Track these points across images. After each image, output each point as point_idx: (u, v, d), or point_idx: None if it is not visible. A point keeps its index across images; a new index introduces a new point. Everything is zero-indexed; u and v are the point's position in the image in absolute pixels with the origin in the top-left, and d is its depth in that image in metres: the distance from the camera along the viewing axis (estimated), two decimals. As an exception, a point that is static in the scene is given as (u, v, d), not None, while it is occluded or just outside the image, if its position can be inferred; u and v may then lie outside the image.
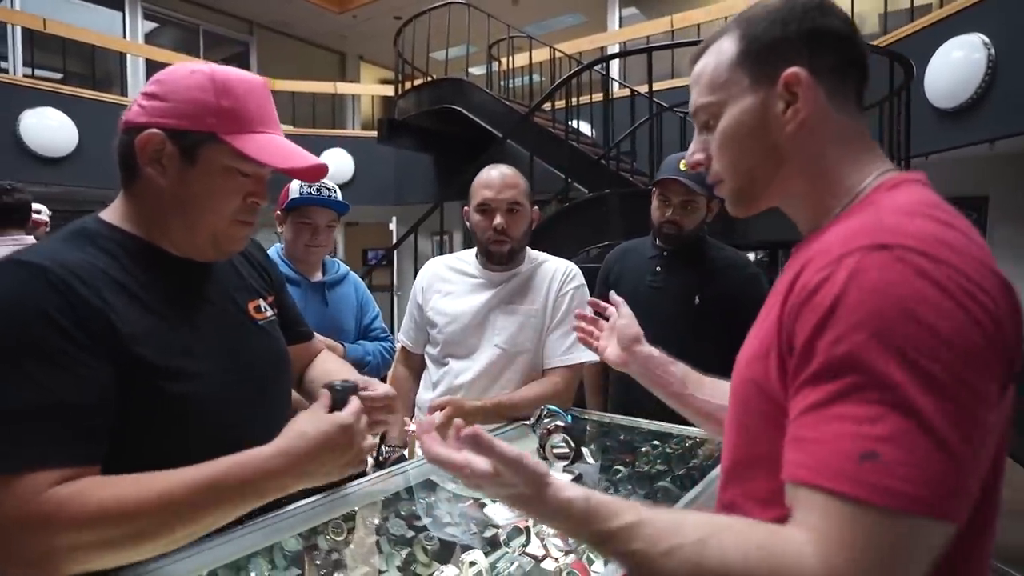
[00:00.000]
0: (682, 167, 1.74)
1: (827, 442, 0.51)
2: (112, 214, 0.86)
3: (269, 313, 0.99)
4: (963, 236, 0.56)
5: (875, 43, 4.75)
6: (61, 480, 0.66)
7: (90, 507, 0.65)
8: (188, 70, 0.82)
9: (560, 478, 1.02)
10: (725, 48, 0.69)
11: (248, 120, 0.82)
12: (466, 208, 1.60)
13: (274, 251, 1.89)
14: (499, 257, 1.54)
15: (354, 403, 0.82)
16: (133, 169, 0.81)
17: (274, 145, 0.83)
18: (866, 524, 0.49)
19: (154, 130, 0.79)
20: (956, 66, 4.06)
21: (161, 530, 0.69)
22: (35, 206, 2.99)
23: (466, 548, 0.98)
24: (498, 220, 1.49)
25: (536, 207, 1.59)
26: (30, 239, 2.60)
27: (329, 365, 1.12)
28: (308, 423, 0.78)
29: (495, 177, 1.52)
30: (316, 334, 1.20)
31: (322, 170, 0.87)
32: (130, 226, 0.84)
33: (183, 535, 0.71)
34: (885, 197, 0.62)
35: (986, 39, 3.89)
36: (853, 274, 0.53)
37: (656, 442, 1.41)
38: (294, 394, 1.07)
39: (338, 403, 0.82)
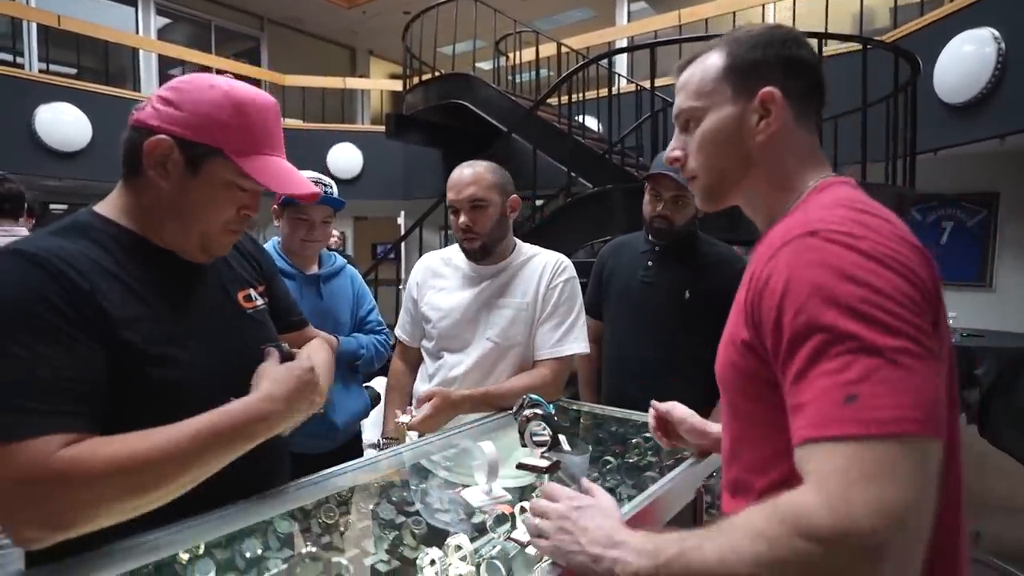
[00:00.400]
0: None
1: (815, 401, 0.58)
2: (107, 207, 0.89)
3: (259, 302, 1.03)
4: (880, 219, 0.66)
5: (885, 37, 4.71)
6: (67, 444, 0.71)
7: (102, 461, 0.70)
8: (207, 84, 0.85)
9: (538, 461, 1.05)
10: (712, 62, 0.79)
11: (255, 141, 0.87)
12: None
13: (271, 245, 1.92)
14: (472, 254, 1.56)
15: (304, 355, 0.92)
16: (137, 167, 0.85)
17: (276, 168, 0.88)
18: (860, 456, 0.54)
19: (164, 136, 0.82)
20: (966, 60, 4.02)
21: (168, 477, 0.74)
22: None
23: (454, 533, 1.01)
24: (462, 219, 1.52)
25: (515, 195, 1.59)
26: (23, 231, 2.53)
27: (316, 355, 1.11)
28: (275, 372, 0.87)
29: (457, 177, 1.54)
30: (311, 326, 1.23)
31: (315, 197, 0.94)
32: (124, 219, 0.88)
33: (187, 480, 0.77)
34: (813, 197, 0.75)
35: (997, 33, 3.85)
36: (793, 258, 0.63)
37: (647, 434, 1.43)
38: None
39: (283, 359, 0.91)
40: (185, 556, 0.84)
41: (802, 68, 0.77)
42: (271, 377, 0.86)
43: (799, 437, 0.59)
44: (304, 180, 0.91)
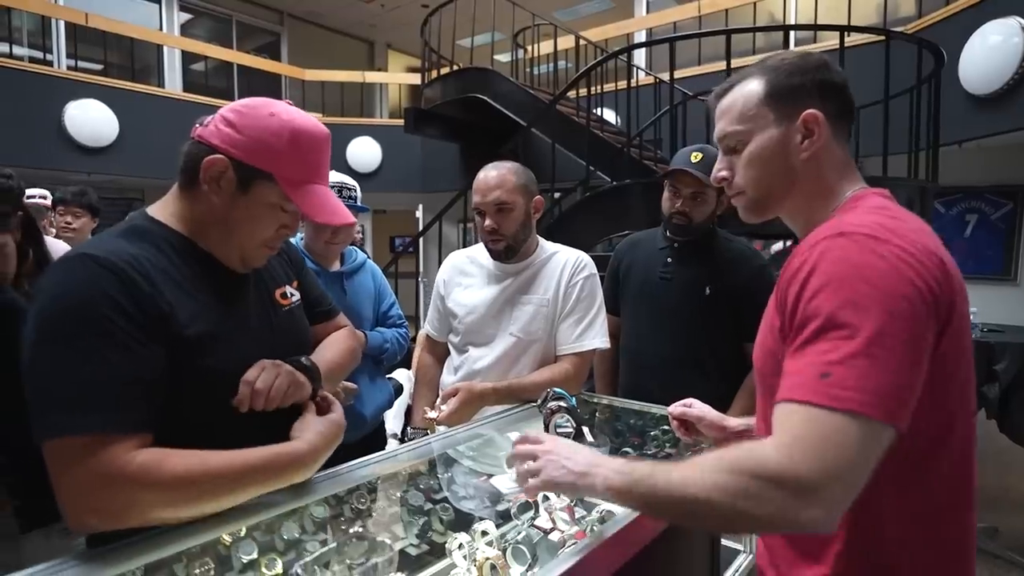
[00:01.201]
0: (694, 159, 1.75)
1: (799, 372, 0.69)
2: (161, 210, 0.96)
3: (294, 298, 1.10)
4: (906, 225, 0.75)
5: (909, 27, 4.64)
6: (140, 445, 0.79)
7: (168, 473, 0.79)
8: (268, 111, 0.91)
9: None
10: (752, 88, 0.87)
11: (304, 170, 0.93)
12: None
13: (295, 241, 1.97)
14: (497, 255, 1.60)
15: (338, 406, 1.02)
16: (193, 179, 0.92)
17: (319, 197, 0.95)
18: (816, 420, 0.65)
19: (221, 156, 0.89)
20: (993, 51, 3.95)
21: (218, 496, 0.84)
22: (31, 191, 2.86)
23: (480, 519, 1.06)
24: (488, 222, 1.55)
25: (538, 196, 1.62)
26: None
27: (327, 353, 1.16)
28: (323, 429, 0.96)
29: (483, 180, 1.56)
30: (342, 315, 1.29)
31: (350, 225, 0.97)
32: (177, 224, 0.94)
33: (230, 501, 0.86)
34: (850, 205, 0.84)
35: (1025, 22, 3.78)
36: (821, 254, 0.73)
37: (666, 427, 1.46)
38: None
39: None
40: (228, 538, 0.90)
41: (835, 90, 0.86)
42: (320, 432, 0.95)
43: (778, 397, 0.70)
44: (344, 210, 0.97)
